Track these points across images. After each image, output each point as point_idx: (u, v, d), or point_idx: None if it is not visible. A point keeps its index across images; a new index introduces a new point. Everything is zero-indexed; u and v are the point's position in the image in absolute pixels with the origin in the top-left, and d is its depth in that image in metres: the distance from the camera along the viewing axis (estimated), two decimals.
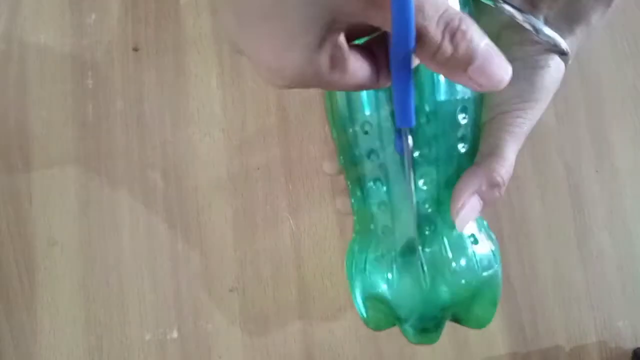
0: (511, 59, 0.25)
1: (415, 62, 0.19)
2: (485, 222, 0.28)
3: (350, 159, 0.27)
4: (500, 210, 0.37)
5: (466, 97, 0.25)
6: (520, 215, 0.37)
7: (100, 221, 0.36)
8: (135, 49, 0.38)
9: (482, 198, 0.24)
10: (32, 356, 0.35)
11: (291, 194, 0.37)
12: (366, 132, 0.25)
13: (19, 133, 0.37)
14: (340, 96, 0.26)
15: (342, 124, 0.26)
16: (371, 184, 0.26)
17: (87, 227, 0.36)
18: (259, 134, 0.38)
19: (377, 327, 0.28)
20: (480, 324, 0.28)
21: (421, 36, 0.17)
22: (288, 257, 0.36)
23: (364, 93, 0.25)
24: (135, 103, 0.37)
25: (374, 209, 0.27)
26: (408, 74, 0.18)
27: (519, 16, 0.24)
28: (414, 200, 0.24)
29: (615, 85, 0.39)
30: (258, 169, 0.37)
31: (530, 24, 0.24)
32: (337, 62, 0.17)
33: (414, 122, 0.19)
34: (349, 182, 0.28)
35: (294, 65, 0.17)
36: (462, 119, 0.25)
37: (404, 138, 0.21)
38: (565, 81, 0.39)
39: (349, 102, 0.26)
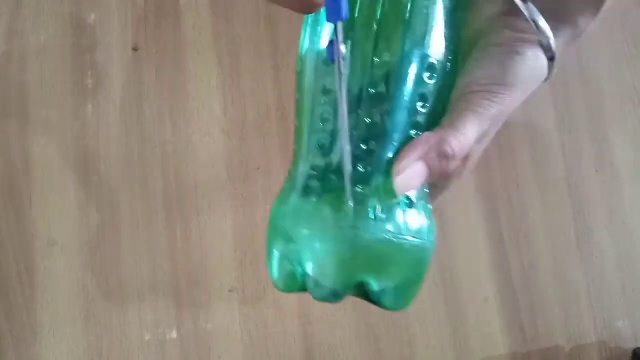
0: (491, 44, 0.25)
1: None
2: (429, 207, 0.26)
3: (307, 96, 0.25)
4: (500, 210, 0.37)
5: (437, 59, 0.24)
6: (520, 215, 0.37)
7: (100, 221, 0.36)
8: (135, 49, 0.38)
9: (427, 165, 0.23)
10: (32, 356, 0.35)
11: None
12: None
13: (19, 133, 0.37)
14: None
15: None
16: (320, 109, 0.24)
17: (87, 227, 0.36)
18: (259, 134, 0.38)
19: (287, 289, 0.26)
20: (396, 304, 0.25)
21: None
22: None
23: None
24: (135, 103, 0.37)
25: (314, 127, 0.25)
26: None
27: (521, 4, 0.24)
28: (345, 112, 0.21)
29: (615, 86, 0.39)
30: (258, 169, 0.37)
31: (529, 13, 0.24)
32: None
33: (346, 14, 0.16)
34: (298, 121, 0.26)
35: None
36: (428, 78, 0.23)
37: (336, 39, 0.18)
38: (565, 81, 0.39)
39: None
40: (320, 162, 0.25)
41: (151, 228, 0.36)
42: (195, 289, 0.36)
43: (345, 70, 0.19)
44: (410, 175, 0.23)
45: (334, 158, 0.24)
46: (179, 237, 0.36)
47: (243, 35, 0.38)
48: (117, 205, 0.36)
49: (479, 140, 0.24)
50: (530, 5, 0.24)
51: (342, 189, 0.23)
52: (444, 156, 0.23)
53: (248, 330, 0.36)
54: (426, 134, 0.23)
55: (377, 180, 0.24)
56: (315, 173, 0.25)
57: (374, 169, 0.24)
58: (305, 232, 0.24)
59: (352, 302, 0.30)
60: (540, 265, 0.37)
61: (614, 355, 0.37)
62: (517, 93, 0.24)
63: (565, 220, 0.37)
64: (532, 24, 0.24)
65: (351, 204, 0.23)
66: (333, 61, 0.19)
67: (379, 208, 0.23)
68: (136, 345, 0.35)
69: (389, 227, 0.23)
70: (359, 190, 0.23)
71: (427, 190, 0.26)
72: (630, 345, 0.37)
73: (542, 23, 0.24)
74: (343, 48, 0.18)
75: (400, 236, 0.24)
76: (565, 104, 0.39)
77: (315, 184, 0.25)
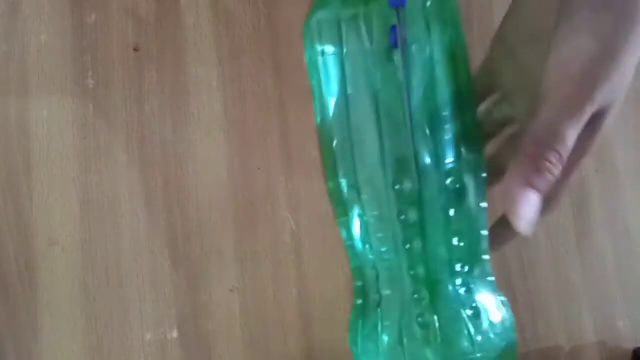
0: (577, 5, 0.20)
1: None
2: (500, 294, 0.26)
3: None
4: (500, 210, 0.37)
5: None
6: None
7: (100, 221, 0.36)
8: (135, 49, 0.38)
9: (533, 187, 0.20)
10: (32, 356, 0.35)
11: (291, 193, 0.37)
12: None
13: (19, 133, 0.37)
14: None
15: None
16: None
17: (87, 227, 0.36)
18: (259, 134, 0.38)
19: None
20: None
21: None
22: (288, 257, 0.37)
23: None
24: (135, 103, 0.37)
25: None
26: None
27: None
28: (409, 119, 0.20)
29: None
30: (258, 169, 0.37)
31: None
32: None
33: (406, 1, 0.17)
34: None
35: None
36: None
37: (397, 25, 0.18)
38: None
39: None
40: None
41: (151, 228, 0.36)
42: (195, 289, 0.36)
43: (407, 54, 0.19)
44: (523, 205, 0.21)
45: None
46: (179, 237, 0.36)
47: (243, 35, 0.38)
48: (118, 205, 0.37)
49: (585, 134, 0.21)
50: None
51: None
52: (546, 171, 0.20)
53: (248, 330, 0.36)
54: (517, 157, 0.21)
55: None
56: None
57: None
58: None
59: (352, 302, 0.29)
60: (540, 265, 0.37)
61: (614, 355, 0.37)
62: (623, 59, 0.20)
63: (565, 220, 0.37)
64: None
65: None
66: (396, 45, 0.19)
67: (467, 312, 0.23)
68: (136, 345, 0.35)
69: (480, 334, 0.23)
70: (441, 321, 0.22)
71: (492, 279, 0.25)
72: (630, 345, 0.37)
73: None
74: (406, 33, 0.18)
75: (497, 342, 0.23)
76: None
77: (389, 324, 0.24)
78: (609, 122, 0.22)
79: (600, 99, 0.20)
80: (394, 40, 0.19)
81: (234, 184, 0.37)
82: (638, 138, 0.39)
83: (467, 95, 0.23)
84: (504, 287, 0.37)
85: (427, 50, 0.21)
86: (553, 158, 0.20)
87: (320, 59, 0.23)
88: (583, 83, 0.20)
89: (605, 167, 0.38)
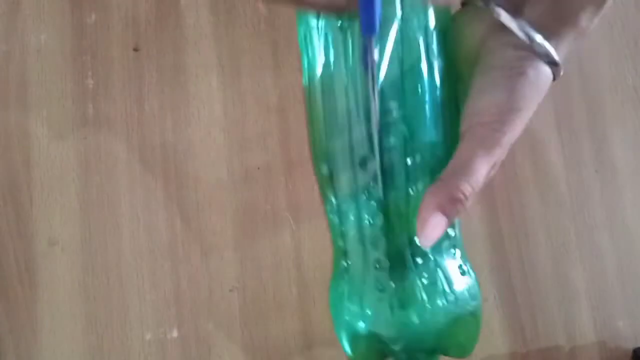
0: (492, 66, 0.24)
1: None
2: (467, 257, 0.28)
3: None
4: (500, 210, 0.37)
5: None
6: (520, 215, 0.37)
7: (100, 221, 0.36)
8: (135, 49, 0.38)
9: (444, 213, 0.24)
10: (32, 356, 0.35)
11: (291, 194, 0.37)
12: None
13: (19, 133, 0.37)
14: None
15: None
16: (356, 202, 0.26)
17: (87, 227, 0.36)
18: (259, 134, 0.38)
19: None
20: (461, 354, 0.28)
21: None
22: (288, 257, 0.37)
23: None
24: (135, 103, 0.37)
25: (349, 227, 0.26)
26: None
27: (512, 22, 0.23)
28: (377, 123, 0.23)
29: (615, 86, 0.39)
30: (258, 168, 0.37)
31: (523, 31, 0.23)
32: None
33: (377, 30, 0.19)
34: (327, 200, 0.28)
35: None
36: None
37: (369, 49, 0.21)
38: (565, 81, 0.39)
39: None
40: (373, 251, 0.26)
41: (151, 228, 0.36)
42: (195, 289, 0.36)
43: (376, 75, 0.22)
44: (431, 227, 0.24)
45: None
46: (179, 237, 0.36)
47: (243, 35, 0.38)
48: (118, 204, 0.37)
49: (490, 170, 0.24)
50: (521, 21, 0.23)
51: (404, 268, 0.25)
52: (458, 202, 0.24)
53: (248, 330, 0.36)
54: (434, 185, 0.24)
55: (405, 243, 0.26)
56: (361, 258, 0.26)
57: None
58: (372, 327, 0.26)
59: None
60: (540, 265, 0.37)
61: (614, 355, 0.37)
62: (526, 113, 0.24)
63: (565, 220, 0.37)
64: (527, 40, 0.23)
65: (392, 284, 0.25)
66: (367, 67, 0.21)
67: (423, 282, 0.25)
68: (136, 345, 0.35)
69: (439, 301, 0.26)
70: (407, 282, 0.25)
71: (455, 234, 0.28)
72: (630, 345, 0.37)
73: (538, 38, 0.23)
74: (376, 56, 0.21)
75: (453, 308, 0.26)
76: (565, 104, 0.39)
77: (364, 284, 0.26)
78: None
79: (506, 143, 0.24)
80: (365, 61, 0.21)
81: (234, 184, 0.37)
82: (638, 138, 0.39)
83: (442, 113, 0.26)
84: (504, 287, 0.37)
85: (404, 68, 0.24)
86: (466, 191, 0.23)
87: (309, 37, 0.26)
88: (495, 129, 0.24)
89: (605, 167, 0.38)
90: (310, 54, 0.26)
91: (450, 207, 0.24)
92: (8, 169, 0.36)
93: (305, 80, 0.27)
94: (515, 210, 0.37)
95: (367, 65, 0.21)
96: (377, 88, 0.22)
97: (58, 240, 0.36)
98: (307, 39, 0.26)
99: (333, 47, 0.25)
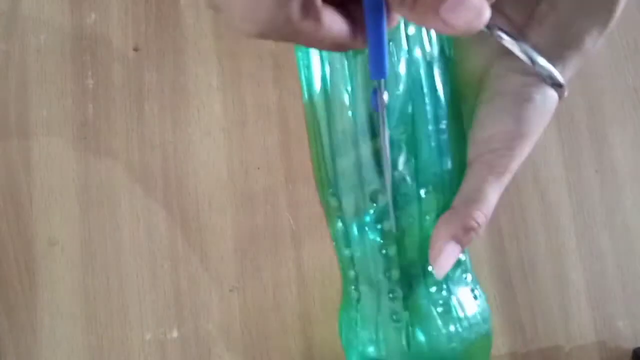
0: (498, 92, 0.25)
1: (395, 21, 0.18)
2: (477, 282, 0.28)
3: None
4: (500, 210, 0.37)
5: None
6: (520, 215, 0.37)
7: (100, 221, 0.36)
8: (135, 49, 0.38)
9: (458, 242, 0.24)
10: (32, 356, 0.35)
11: (291, 193, 0.37)
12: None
13: (19, 133, 0.37)
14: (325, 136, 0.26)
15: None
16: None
17: (87, 227, 0.36)
18: (259, 134, 0.38)
19: None
20: None
21: None
22: (288, 257, 0.36)
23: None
24: (135, 103, 0.37)
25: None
26: (380, 20, 0.18)
27: (514, 45, 0.23)
28: (389, 165, 0.23)
29: (615, 87, 0.39)
30: (258, 168, 0.37)
31: (526, 54, 0.23)
32: (309, 10, 0.17)
33: (387, 74, 0.19)
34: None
35: (265, 8, 0.17)
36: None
37: (378, 93, 0.21)
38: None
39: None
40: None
41: (151, 228, 0.36)
42: (195, 289, 0.36)
43: (386, 117, 0.22)
44: (445, 257, 0.24)
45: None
46: (179, 237, 0.36)
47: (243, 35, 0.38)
48: (118, 205, 0.37)
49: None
50: (523, 44, 0.23)
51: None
52: (472, 230, 0.24)
53: (248, 330, 0.36)
54: (447, 214, 0.24)
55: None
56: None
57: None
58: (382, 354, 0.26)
59: None
60: (540, 265, 0.37)
61: (614, 355, 0.37)
62: (533, 138, 0.24)
63: (565, 220, 0.37)
64: (530, 62, 0.23)
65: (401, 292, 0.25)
66: (377, 109, 0.22)
67: (438, 310, 0.25)
68: (136, 345, 0.35)
69: (454, 328, 0.26)
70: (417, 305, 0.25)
71: (465, 258, 0.28)
72: (630, 345, 0.37)
73: (540, 60, 0.23)
74: (386, 98, 0.21)
75: (467, 334, 0.26)
76: (565, 104, 0.38)
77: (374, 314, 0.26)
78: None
79: (515, 168, 0.24)
80: (375, 104, 0.22)
81: (234, 184, 0.37)
82: (638, 138, 0.39)
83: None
84: (504, 287, 0.37)
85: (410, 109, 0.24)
86: (479, 219, 0.24)
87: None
88: (504, 155, 0.24)
89: (605, 167, 0.38)
90: (307, 71, 0.26)
91: (464, 236, 0.24)
92: (8, 169, 0.36)
93: (305, 97, 0.27)
94: (515, 210, 0.37)
95: (376, 108, 0.22)
96: (387, 132, 0.23)
97: (58, 240, 0.36)
98: (304, 61, 0.26)
99: (329, 64, 0.25)
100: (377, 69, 0.19)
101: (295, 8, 0.17)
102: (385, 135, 0.22)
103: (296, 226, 0.37)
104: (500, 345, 0.36)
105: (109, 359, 0.35)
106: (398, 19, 0.19)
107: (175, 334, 0.35)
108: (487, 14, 0.17)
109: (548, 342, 0.36)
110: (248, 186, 0.37)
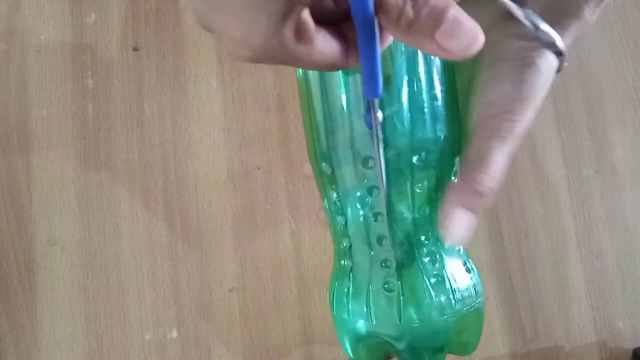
0: (499, 58, 0.25)
1: (388, 41, 0.18)
2: (468, 257, 0.28)
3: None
4: (500, 210, 0.37)
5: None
6: (520, 215, 0.37)
7: (100, 221, 0.36)
8: (135, 49, 0.38)
9: (468, 209, 0.24)
10: (32, 356, 0.35)
11: (291, 194, 0.37)
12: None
13: (19, 133, 0.37)
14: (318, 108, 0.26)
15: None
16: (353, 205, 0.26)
17: (87, 227, 0.36)
18: (259, 134, 0.38)
19: None
20: (465, 351, 0.28)
21: (382, 2, 0.17)
22: (288, 257, 0.36)
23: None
24: (135, 103, 0.37)
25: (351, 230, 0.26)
26: (373, 41, 0.18)
27: (517, 10, 0.23)
28: (384, 183, 0.23)
29: (615, 86, 0.39)
30: (258, 168, 0.37)
31: (529, 19, 0.23)
32: (302, 34, 0.17)
33: (381, 93, 0.19)
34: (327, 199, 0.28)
35: (258, 34, 0.17)
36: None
37: (372, 111, 0.21)
38: (565, 81, 0.39)
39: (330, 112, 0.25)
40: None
41: (151, 228, 0.36)
42: (195, 289, 0.36)
43: (381, 135, 0.22)
44: (457, 225, 0.24)
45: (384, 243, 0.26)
46: (179, 237, 0.36)
47: None
48: (117, 205, 0.36)
49: (508, 161, 0.24)
50: (528, 10, 0.24)
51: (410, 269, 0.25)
52: (479, 195, 0.23)
53: (248, 330, 0.36)
54: (454, 182, 0.24)
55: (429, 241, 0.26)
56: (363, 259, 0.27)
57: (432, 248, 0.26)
58: (366, 323, 0.26)
59: None
60: (540, 265, 0.37)
61: (614, 355, 0.37)
62: (535, 103, 0.24)
63: (565, 220, 0.37)
64: (534, 29, 0.23)
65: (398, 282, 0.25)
66: (371, 127, 0.22)
67: (431, 280, 0.25)
68: (136, 345, 0.35)
69: (447, 299, 0.26)
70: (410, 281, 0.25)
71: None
72: (630, 345, 0.37)
73: (544, 26, 0.23)
74: (380, 116, 0.21)
75: (460, 306, 0.26)
76: (565, 104, 0.39)
77: (365, 286, 0.26)
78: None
79: (519, 132, 0.24)
80: (369, 122, 0.22)
81: (234, 184, 0.37)
82: (638, 138, 0.39)
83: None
84: (504, 287, 0.37)
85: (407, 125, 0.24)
86: (487, 183, 0.23)
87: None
88: (507, 119, 0.24)
89: (605, 167, 0.38)
90: None
91: (474, 202, 0.24)
92: (8, 169, 0.36)
93: (299, 72, 0.27)
94: (515, 210, 0.37)
95: (370, 125, 0.22)
96: (382, 147, 0.23)
97: (58, 240, 0.36)
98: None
99: None
100: (371, 88, 0.19)
101: (289, 33, 0.17)
102: (381, 152, 0.23)
103: (296, 226, 0.37)
104: (500, 345, 0.36)
105: (108, 359, 0.35)
106: (391, 39, 0.19)
107: (175, 334, 0.35)
108: (481, 38, 0.17)
109: (548, 342, 0.36)
110: (248, 186, 0.37)
